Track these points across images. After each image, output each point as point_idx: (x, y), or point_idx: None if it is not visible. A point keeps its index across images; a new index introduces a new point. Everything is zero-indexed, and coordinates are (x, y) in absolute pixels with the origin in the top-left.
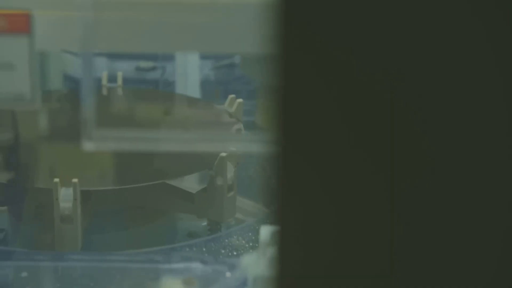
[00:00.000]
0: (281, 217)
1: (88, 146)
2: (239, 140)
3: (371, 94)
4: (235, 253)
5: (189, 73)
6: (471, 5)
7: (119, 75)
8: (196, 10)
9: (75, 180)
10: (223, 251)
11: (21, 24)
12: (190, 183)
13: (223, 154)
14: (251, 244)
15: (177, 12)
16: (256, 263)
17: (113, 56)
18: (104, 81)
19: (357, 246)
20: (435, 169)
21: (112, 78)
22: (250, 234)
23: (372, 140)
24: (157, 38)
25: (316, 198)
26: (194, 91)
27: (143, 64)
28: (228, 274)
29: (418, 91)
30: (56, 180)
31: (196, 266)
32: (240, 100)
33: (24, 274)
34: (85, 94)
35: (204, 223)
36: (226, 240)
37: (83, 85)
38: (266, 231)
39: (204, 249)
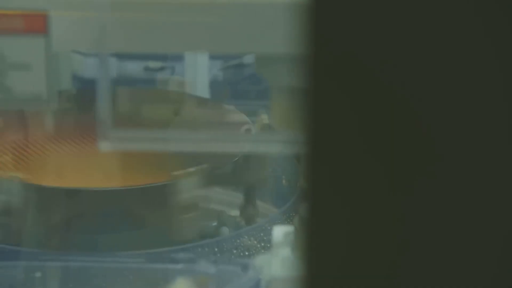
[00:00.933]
0: (310, 217)
1: (104, 146)
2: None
3: (398, 98)
4: (246, 253)
5: (198, 73)
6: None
7: None
8: (214, 10)
9: (192, 169)
10: (234, 251)
11: (37, 25)
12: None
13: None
14: (262, 244)
15: (194, 12)
16: (270, 263)
17: (122, 56)
18: None
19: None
20: (451, 171)
21: (121, 79)
22: (261, 234)
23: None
24: (173, 38)
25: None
26: (203, 91)
27: (152, 64)
28: (241, 274)
29: (442, 97)
30: (175, 172)
31: (209, 266)
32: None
33: (38, 274)
34: (101, 94)
35: (215, 223)
36: (238, 240)
37: (99, 85)
38: (279, 232)
39: (215, 249)
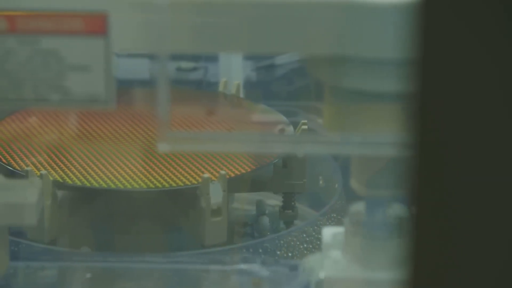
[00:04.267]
0: (418, 220)
1: (162, 147)
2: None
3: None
4: (290, 254)
5: (232, 73)
6: None
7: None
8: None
9: (222, 172)
10: (278, 252)
11: (97, 25)
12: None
13: (206, 175)
14: (305, 245)
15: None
16: (320, 264)
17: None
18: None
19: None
20: None
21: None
22: (304, 235)
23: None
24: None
25: (453, 201)
26: (237, 91)
27: (184, 65)
28: (289, 275)
29: None
30: (206, 175)
31: (258, 267)
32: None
33: (88, 275)
34: (159, 96)
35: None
36: (282, 241)
37: (158, 87)
38: (328, 233)
39: (260, 250)
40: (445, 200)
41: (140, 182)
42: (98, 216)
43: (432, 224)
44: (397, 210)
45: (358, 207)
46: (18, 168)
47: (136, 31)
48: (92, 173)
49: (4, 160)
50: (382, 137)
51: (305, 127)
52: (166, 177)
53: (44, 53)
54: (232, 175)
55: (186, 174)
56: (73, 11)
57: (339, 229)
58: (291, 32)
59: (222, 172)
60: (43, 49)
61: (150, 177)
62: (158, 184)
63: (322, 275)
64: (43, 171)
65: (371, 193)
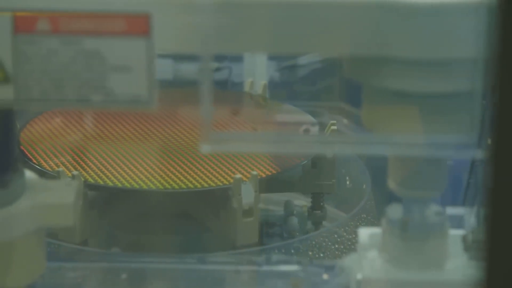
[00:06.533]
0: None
1: (205, 148)
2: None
3: None
4: (321, 254)
5: (257, 73)
6: None
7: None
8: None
9: (254, 172)
10: (310, 253)
11: (139, 26)
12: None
13: (238, 176)
14: (336, 246)
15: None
16: (357, 265)
17: (178, 58)
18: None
19: None
20: None
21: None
22: (335, 236)
23: None
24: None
25: None
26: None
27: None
28: (325, 276)
29: None
30: (238, 176)
31: (294, 268)
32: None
33: (124, 276)
34: (203, 97)
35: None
36: (313, 242)
37: (201, 88)
38: (364, 234)
39: (292, 251)
40: None
41: (171, 182)
42: (129, 217)
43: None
44: (434, 210)
45: (396, 207)
46: (49, 169)
47: (179, 32)
48: (123, 174)
49: (34, 161)
50: (416, 137)
51: (334, 127)
52: (197, 178)
53: (86, 54)
54: (263, 175)
55: (217, 175)
56: (115, 12)
57: (375, 230)
58: (335, 33)
59: (254, 172)
60: (86, 49)
61: (182, 178)
62: (189, 185)
63: (359, 275)
64: (75, 172)
65: (409, 194)
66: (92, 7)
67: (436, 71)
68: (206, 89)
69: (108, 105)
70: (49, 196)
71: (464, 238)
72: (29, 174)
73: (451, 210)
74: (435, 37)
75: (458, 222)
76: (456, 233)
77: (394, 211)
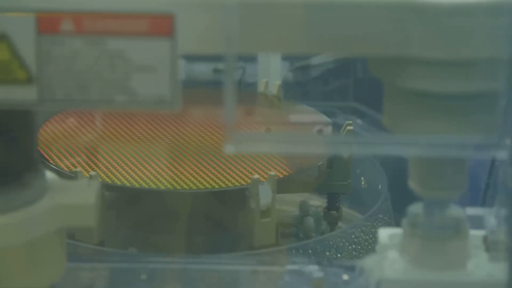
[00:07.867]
0: None
1: (229, 149)
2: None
3: None
4: (339, 255)
5: (270, 74)
6: None
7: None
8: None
9: (272, 173)
10: (327, 253)
11: (163, 27)
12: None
13: (256, 176)
14: (353, 246)
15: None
16: (378, 266)
17: (191, 58)
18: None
19: None
20: None
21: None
22: (352, 236)
23: None
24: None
25: None
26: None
27: (220, 66)
28: (345, 276)
29: None
30: (256, 176)
31: (313, 268)
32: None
33: (144, 276)
34: (226, 97)
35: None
36: (331, 242)
37: (225, 88)
38: (384, 234)
39: (310, 251)
40: None
41: (188, 182)
42: (146, 217)
43: None
44: (455, 211)
45: (417, 208)
46: (66, 169)
47: (202, 32)
48: (140, 174)
49: (51, 161)
50: (437, 138)
51: (350, 127)
52: (215, 178)
53: (110, 54)
54: (281, 176)
55: (234, 175)
56: (139, 12)
57: (395, 230)
58: (359, 33)
59: (272, 173)
60: (109, 50)
61: (199, 178)
62: (207, 185)
63: (380, 276)
64: (92, 172)
65: (430, 194)
66: (116, 8)
67: (460, 71)
68: (229, 90)
69: (131, 105)
70: (70, 197)
71: (484, 239)
72: (49, 174)
73: (470, 211)
74: (458, 37)
75: (478, 222)
76: (476, 233)
77: (415, 211)
